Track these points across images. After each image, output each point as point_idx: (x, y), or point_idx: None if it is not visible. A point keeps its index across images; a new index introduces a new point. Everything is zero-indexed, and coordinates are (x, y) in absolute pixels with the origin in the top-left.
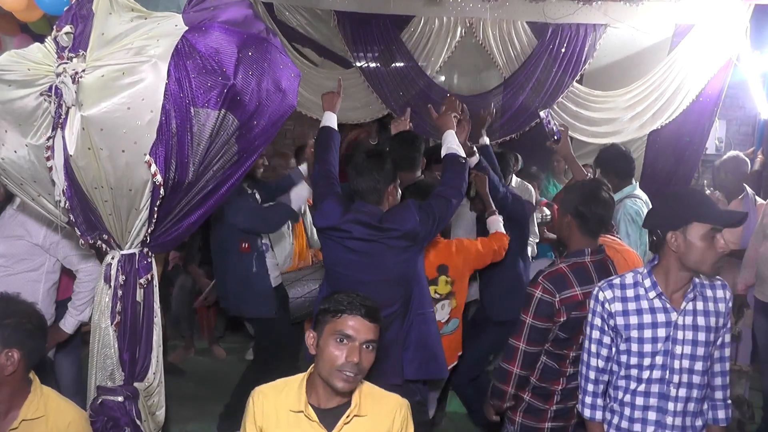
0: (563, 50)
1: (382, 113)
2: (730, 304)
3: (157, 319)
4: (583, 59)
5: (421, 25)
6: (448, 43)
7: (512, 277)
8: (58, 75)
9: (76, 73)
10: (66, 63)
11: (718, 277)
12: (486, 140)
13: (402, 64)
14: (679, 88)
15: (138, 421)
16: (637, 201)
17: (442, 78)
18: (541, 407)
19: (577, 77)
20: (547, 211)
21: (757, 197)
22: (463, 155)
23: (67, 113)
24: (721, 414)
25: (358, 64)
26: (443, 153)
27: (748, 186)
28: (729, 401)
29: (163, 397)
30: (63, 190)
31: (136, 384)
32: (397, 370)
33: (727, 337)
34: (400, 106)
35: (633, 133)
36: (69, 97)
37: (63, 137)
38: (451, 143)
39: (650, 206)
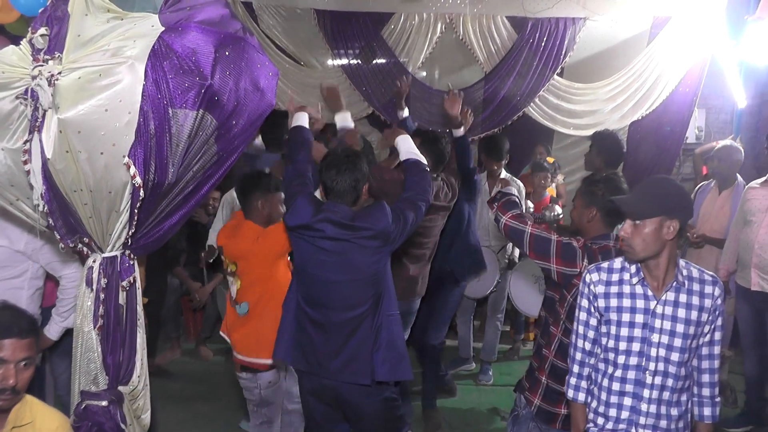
0: (543, 44)
1: (366, 112)
2: (720, 301)
3: (141, 322)
4: (563, 52)
5: (401, 21)
6: (428, 39)
7: (472, 242)
8: (34, 78)
9: (52, 75)
10: (42, 65)
11: (711, 273)
12: (406, 113)
13: (383, 61)
14: (659, 78)
15: (123, 426)
16: None
17: (424, 74)
18: (559, 390)
19: (558, 70)
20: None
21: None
22: (424, 159)
23: (43, 116)
24: (707, 411)
25: (339, 63)
26: (402, 158)
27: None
28: (717, 399)
29: (148, 400)
30: (41, 194)
31: (120, 388)
32: (366, 370)
33: (717, 335)
34: (382, 104)
35: (614, 124)
36: (45, 99)
37: (40, 140)
38: (410, 147)
39: None
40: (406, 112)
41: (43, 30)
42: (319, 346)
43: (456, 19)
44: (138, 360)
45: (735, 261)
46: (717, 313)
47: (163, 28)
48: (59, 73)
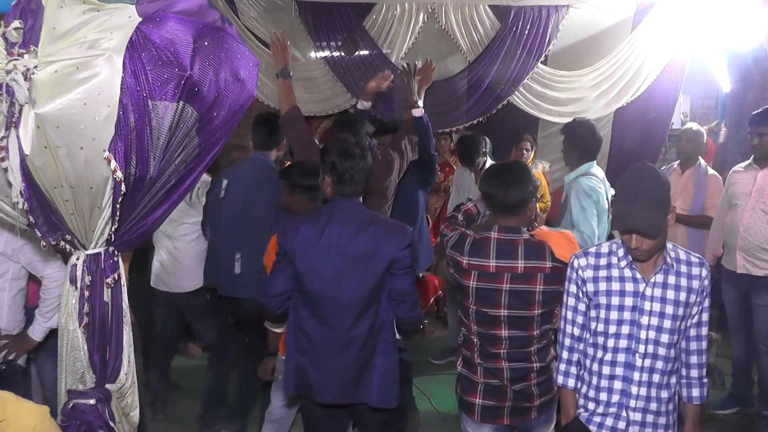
0: (526, 32)
1: (350, 104)
2: (706, 282)
3: (127, 319)
4: (547, 40)
5: (383, 12)
6: (411, 29)
7: (425, 233)
8: (9, 72)
9: (28, 69)
10: (16, 60)
11: (697, 255)
12: (367, 105)
13: (366, 52)
14: (643, 65)
15: (112, 423)
16: (592, 179)
17: (407, 64)
18: (470, 378)
19: (542, 58)
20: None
21: (709, 168)
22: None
23: (20, 111)
24: (695, 392)
25: (322, 54)
26: None
27: (717, 158)
28: (705, 380)
29: (136, 397)
30: (20, 192)
31: (108, 386)
32: (358, 392)
33: (705, 316)
34: None
35: (599, 112)
36: (21, 94)
37: (17, 137)
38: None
39: (607, 183)
40: (368, 104)
41: (16, 23)
42: (316, 366)
43: (438, 9)
44: (125, 357)
45: (721, 245)
46: (704, 294)
47: (141, 19)
48: (35, 67)
